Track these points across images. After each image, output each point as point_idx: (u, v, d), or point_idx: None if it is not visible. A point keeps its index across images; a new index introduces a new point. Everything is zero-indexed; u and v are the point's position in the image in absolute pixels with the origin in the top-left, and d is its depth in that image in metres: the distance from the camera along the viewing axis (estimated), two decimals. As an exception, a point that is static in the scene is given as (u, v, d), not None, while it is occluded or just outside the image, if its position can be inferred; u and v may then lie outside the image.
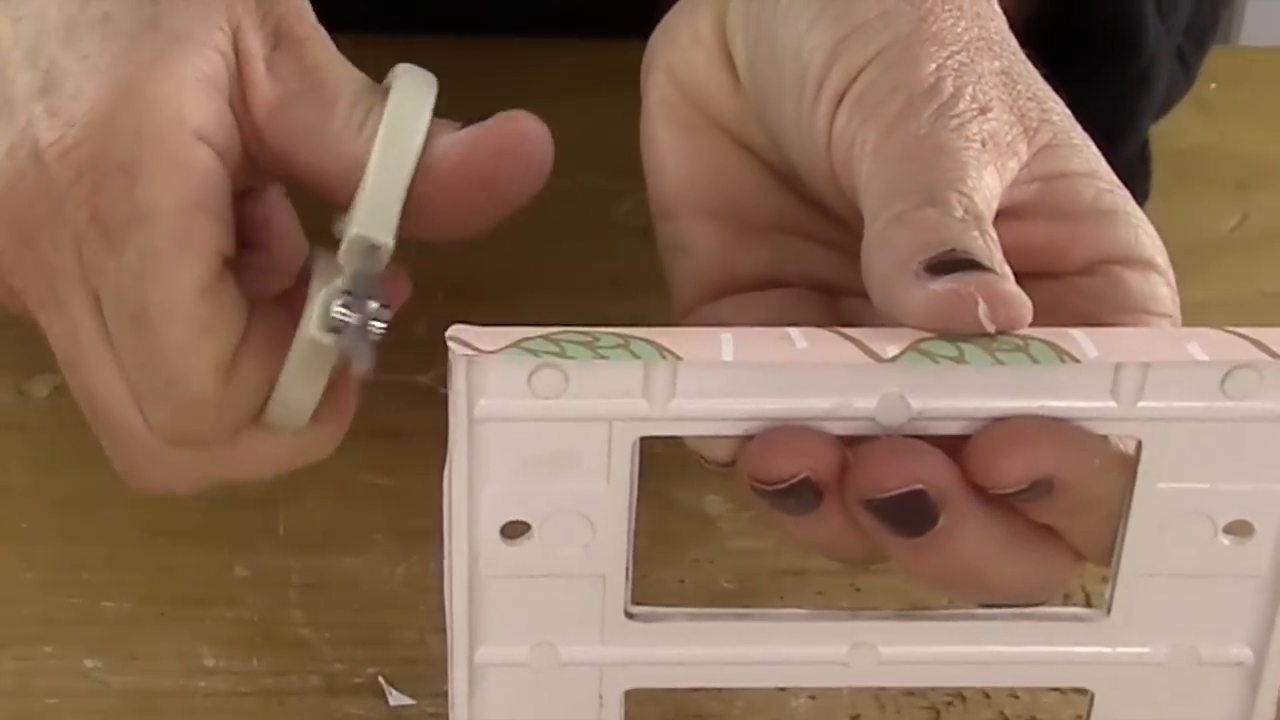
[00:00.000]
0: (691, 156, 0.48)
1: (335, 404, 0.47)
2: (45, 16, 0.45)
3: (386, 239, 0.44)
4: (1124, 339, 0.40)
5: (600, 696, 0.44)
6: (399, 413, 0.57)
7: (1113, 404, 0.40)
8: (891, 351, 0.39)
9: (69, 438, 0.56)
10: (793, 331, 0.40)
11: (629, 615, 0.43)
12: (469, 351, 0.39)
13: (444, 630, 0.48)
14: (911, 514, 0.40)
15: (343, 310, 0.44)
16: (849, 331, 0.40)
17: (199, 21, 0.45)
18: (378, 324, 0.45)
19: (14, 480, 0.56)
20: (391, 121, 0.45)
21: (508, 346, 0.39)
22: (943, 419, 0.40)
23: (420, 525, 0.54)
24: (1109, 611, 0.43)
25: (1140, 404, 0.40)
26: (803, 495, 0.41)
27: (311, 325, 0.45)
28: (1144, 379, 0.40)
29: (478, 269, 0.63)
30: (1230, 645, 0.43)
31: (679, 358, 0.39)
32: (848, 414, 0.40)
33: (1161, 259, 0.43)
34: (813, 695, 0.52)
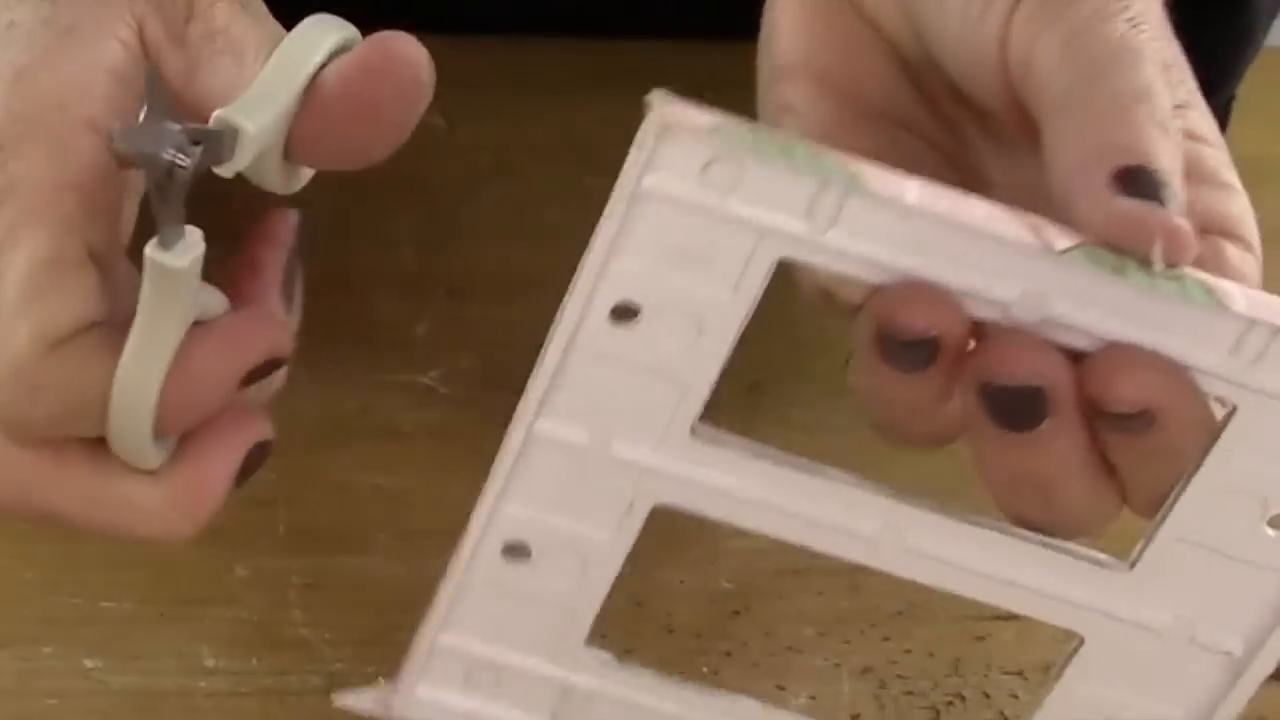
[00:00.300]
0: (822, 26, 0.48)
1: (190, 469, 0.44)
2: None
3: (247, 124, 0.43)
4: (1272, 304, 0.40)
5: (631, 504, 0.44)
6: (399, 413, 0.57)
7: (1229, 363, 0.40)
8: (1063, 244, 0.39)
9: (69, 438, 0.56)
10: (975, 198, 0.40)
11: (692, 431, 0.43)
12: (661, 121, 0.39)
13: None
14: (1023, 408, 0.41)
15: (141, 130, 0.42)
16: (1027, 214, 0.40)
17: (94, 15, 0.45)
18: (180, 156, 0.41)
19: (14, 480, 0.56)
20: (283, 48, 0.44)
21: (703, 127, 0.39)
22: (1071, 329, 0.40)
23: (420, 525, 0.55)
24: (1132, 567, 0.43)
25: (1253, 370, 0.40)
26: (921, 354, 0.41)
27: (149, 247, 0.42)
28: (1266, 347, 0.40)
29: (478, 269, 0.63)
30: (1228, 633, 0.43)
31: (864, 186, 0.39)
32: (987, 296, 0.40)
33: (1258, 246, 0.44)
34: (813, 695, 0.52)
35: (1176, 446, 0.42)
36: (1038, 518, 0.43)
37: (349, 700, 0.46)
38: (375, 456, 0.56)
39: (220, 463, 0.44)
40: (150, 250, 0.41)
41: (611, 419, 0.43)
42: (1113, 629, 0.44)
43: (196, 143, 0.42)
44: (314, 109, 0.44)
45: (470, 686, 0.46)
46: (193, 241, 0.41)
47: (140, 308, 0.42)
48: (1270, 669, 0.44)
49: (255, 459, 0.44)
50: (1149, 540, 0.43)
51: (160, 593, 0.53)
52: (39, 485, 0.44)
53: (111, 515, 0.44)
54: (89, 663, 0.51)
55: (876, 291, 0.41)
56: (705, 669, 0.52)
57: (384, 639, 0.52)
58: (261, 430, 0.44)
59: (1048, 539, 0.43)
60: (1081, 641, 0.44)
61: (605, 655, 0.46)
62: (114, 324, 0.43)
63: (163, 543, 0.44)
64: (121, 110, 0.44)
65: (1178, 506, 0.42)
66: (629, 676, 0.46)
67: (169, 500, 0.44)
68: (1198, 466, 0.42)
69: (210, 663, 0.52)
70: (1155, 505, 0.43)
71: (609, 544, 0.44)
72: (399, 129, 0.44)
